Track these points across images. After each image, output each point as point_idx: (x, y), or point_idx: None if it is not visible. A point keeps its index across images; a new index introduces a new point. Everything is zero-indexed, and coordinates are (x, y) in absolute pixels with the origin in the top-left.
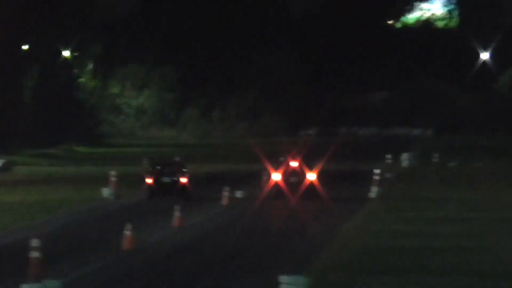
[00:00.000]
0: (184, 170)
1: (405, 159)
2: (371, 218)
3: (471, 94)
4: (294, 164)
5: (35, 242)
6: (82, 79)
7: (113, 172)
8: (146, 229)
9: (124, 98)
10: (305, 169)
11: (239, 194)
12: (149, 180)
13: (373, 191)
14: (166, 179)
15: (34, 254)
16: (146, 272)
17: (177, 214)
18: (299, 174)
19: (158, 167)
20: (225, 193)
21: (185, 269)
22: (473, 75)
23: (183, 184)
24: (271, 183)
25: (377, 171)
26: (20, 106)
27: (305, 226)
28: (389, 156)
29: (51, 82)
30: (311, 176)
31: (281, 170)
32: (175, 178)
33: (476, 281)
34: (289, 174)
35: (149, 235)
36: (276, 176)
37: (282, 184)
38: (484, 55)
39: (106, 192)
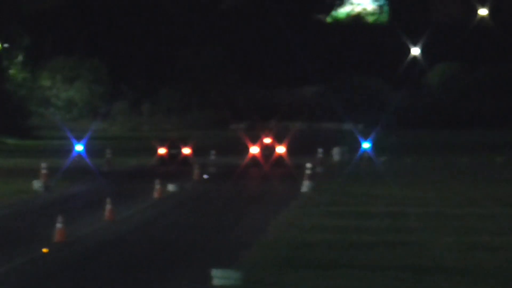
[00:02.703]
0: (186, 145)
1: (336, 153)
2: (302, 212)
3: (401, 89)
4: (267, 140)
5: None
6: (11, 71)
7: (43, 164)
8: (77, 222)
9: (54, 90)
10: (276, 144)
11: (170, 187)
12: (161, 151)
13: (304, 185)
14: (173, 151)
15: None
16: (76, 266)
17: (108, 207)
18: (271, 149)
19: (168, 142)
20: (157, 186)
21: (115, 263)
22: (403, 70)
23: (185, 155)
24: (250, 155)
25: (308, 165)
26: None
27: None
28: (320, 150)
29: None
30: (280, 150)
31: (258, 145)
32: (179, 150)
33: (404, 275)
34: (263, 148)
35: (80, 228)
36: (254, 150)
37: (258, 155)
38: (415, 51)
39: (36, 184)
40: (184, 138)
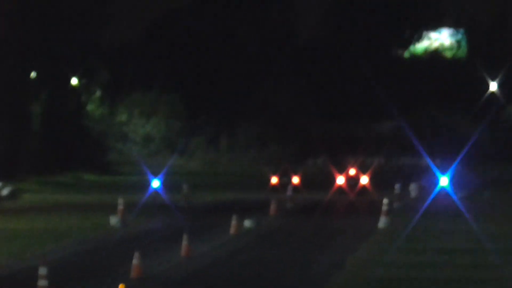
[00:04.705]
0: (296, 174)
1: (413, 189)
2: (379, 249)
3: (479, 124)
4: (352, 171)
5: (43, 270)
6: (90, 107)
7: (120, 200)
8: (154, 257)
9: (132, 125)
10: (360, 175)
11: (247, 223)
12: (273, 180)
13: (382, 221)
14: (284, 179)
15: (42, 283)
16: None
17: (185, 243)
18: (355, 179)
19: (280, 172)
20: (233, 222)
21: None
22: (482, 105)
23: (294, 184)
24: (336, 185)
25: (385, 201)
26: (27, 133)
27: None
28: (397, 185)
29: (59, 109)
30: (364, 180)
31: (343, 175)
32: (290, 179)
33: None
34: (348, 179)
35: (157, 263)
36: (340, 180)
37: (344, 185)
38: (493, 85)
39: (113, 220)
40: (294, 168)
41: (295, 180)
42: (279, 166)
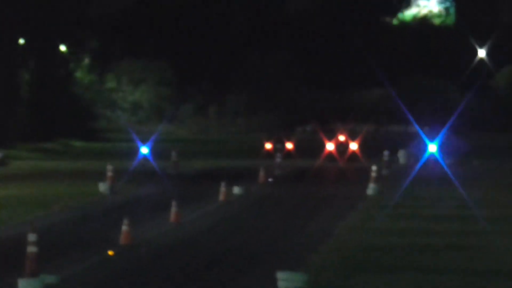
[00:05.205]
0: (290, 140)
1: (402, 156)
2: (368, 215)
3: (468, 91)
4: (342, 138)
5: (32, 237)
6: (78, 74)
7: (109, 167)
8: (143, 224)
9: (120, 93)
10: (349, 141)
11: (236, 190)
12: (268, 146)
13: (371, 188)
14: (278, 145)
15: (31, 249)
16: (142, 268)
17: (174, 209)
18: (345, 145)
19: (274, 138)
20: (222, 189)
21: (181, 265)
22: (470, 72)
23: (288, 150)
24: (326, 151)
25: (374, 167)
26: (16, 100)
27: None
28: (386, 152)
29: (48, 77)
30: (354, 146)
31: (333, 142)
32: (284, 145)
33: (471, 279)
34: (338, 145)
35: (146, 230)
36: (330, 146)
37: (334, 151)
38: (481, 52)
39: (102, 187)
40: (288, 134)
41: (289, 145)
42: (271, 133)
